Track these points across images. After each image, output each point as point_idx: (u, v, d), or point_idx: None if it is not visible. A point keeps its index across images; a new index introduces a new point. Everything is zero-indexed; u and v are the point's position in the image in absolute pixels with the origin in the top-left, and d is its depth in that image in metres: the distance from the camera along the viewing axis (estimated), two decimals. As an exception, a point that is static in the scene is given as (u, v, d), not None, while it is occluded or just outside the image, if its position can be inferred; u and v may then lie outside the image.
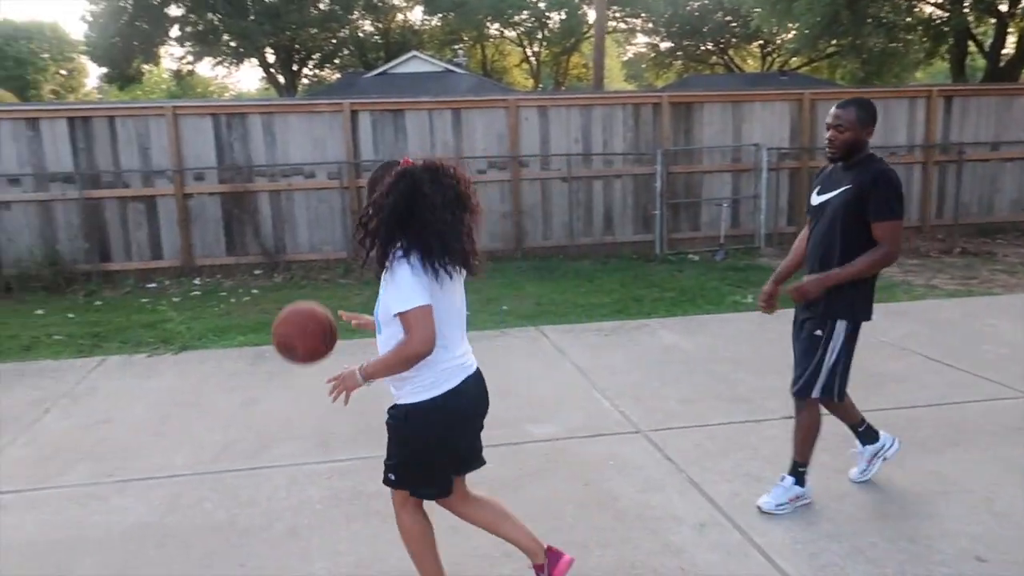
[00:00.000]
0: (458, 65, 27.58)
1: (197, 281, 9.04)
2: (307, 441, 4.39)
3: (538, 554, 2.75)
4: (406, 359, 2.34)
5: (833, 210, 3.25)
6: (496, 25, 35.37)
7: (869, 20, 18.32)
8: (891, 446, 3.67)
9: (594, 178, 9.91)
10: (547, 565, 2.73)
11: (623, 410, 4.72)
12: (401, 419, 2.51)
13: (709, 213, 10.25)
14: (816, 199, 3.39)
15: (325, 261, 9.47)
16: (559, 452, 4.13)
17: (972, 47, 20.12)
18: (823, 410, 3.48)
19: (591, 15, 34.00)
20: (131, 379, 5.65)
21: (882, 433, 3.67)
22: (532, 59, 38.15)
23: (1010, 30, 18.58)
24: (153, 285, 8.95)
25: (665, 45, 36.25)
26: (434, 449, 2.52)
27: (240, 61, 36.55)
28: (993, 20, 18.67)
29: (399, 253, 2.33)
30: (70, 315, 7.69)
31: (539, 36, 36.57)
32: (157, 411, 4.95)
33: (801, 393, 3.39)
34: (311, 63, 39.49)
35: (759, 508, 3.43)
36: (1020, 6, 17.67)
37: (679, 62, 37.11)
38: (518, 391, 5.09)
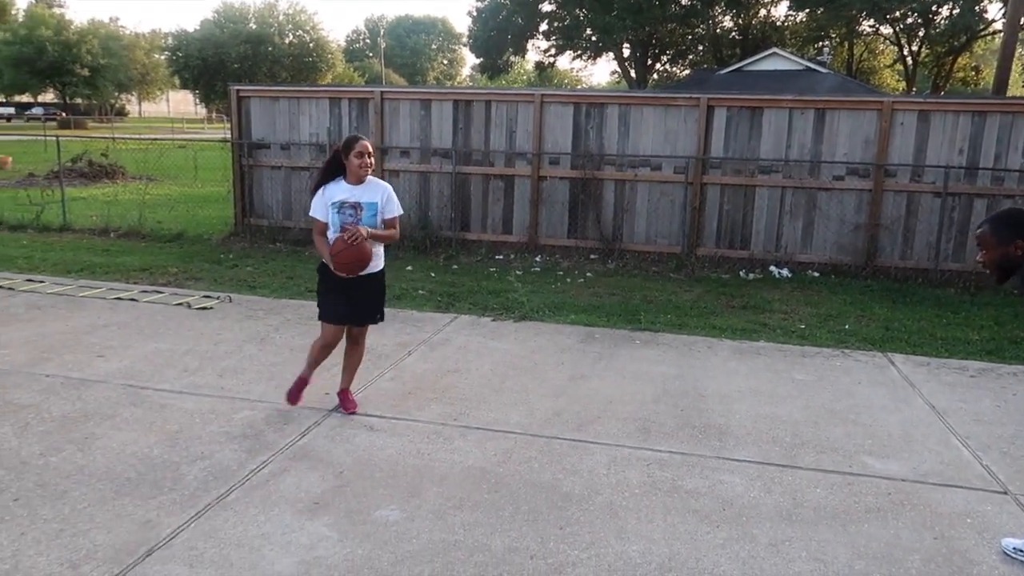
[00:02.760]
0: (821, 63, 25.84)
1: (538, 258, 9.68)
2: (628, 425, 4.46)
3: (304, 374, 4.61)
4: (390, 239, 4.40)
5: None
6: (871, 21, 32.37)
7: None
8: None
9: (977, 196, 8.62)
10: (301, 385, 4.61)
11: (988, 464, 4.06)
12: (382, 279, 4.50)
13: None
14: None
15: (658, 254, 9.53)
16: (904, 494, 3.68)
17: None
18: None
19: (992, 9, 29.57)
20: (478, 337, 6.24)
21: None
22: (908, 59, 34.29)
23: None
24: (500, 257, 9.78)
25: (1088, 46, 30.14)
26: None
27: (598, 55, 38.27)
28: None
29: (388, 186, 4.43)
30: (432, 274, 8.72)
31: (921, 34, 32.69)
32: (498, 370, 5.40)
33: None
34: (664, 58, 39.95)
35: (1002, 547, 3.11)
36: None
37: (1105, 67, 30.68)
38: (857, 419, 4.65)
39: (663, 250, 9.53)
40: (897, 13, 30.45)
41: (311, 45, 55.28)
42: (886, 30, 33.92)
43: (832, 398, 5.02)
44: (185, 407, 4.54)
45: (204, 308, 6.88)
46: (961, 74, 36.04)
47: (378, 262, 4.40)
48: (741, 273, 9.04)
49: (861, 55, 37.39)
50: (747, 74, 23.97)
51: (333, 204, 4.25)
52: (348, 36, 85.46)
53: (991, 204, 8.58)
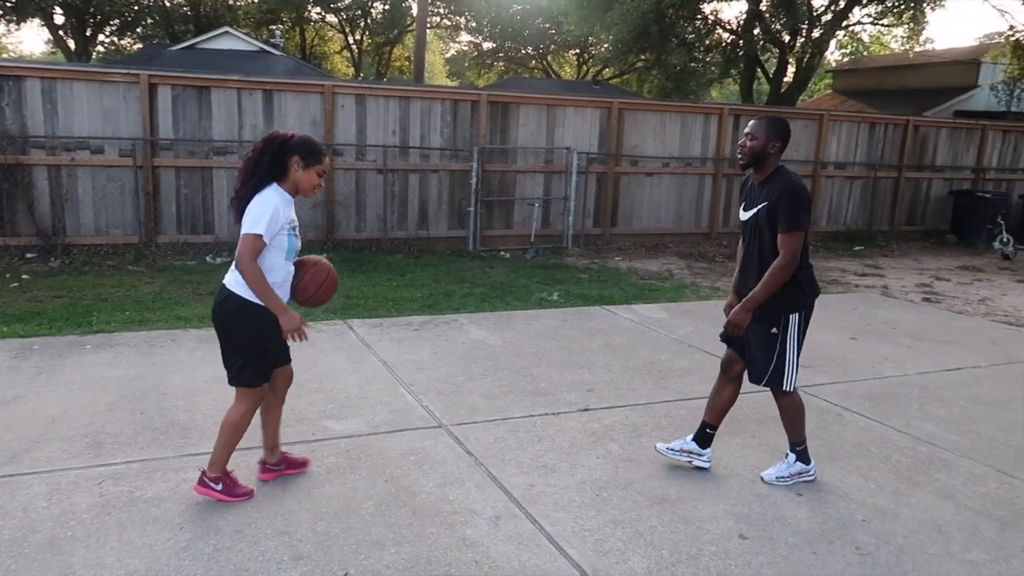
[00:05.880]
0: (274, 46, 26.36)
1: (-46, 263, 7.94)
2: (75, 443, 3.97)
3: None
4: None
5: (756, 225, 3.61)
6: (317, 9, 34.12)
7: (673, 38, 19.66)
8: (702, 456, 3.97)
9: (410, 172, 9.84)
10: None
11: (427, 405, 4.71)
12: None
13: (521, 212, 10.52)
14: (743, 215, 3.73)
15: (112, 246, 8.66)
16: (360, 449, 4.04)
17: (759, 73, 22.17)
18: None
19: (415, 8, 33.81)
20: None
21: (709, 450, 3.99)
22: (354, 47, 37.22)
23: (790, 60, 20.67)
24: None
25: (488, 45, 36.76)
26: None
27: (20, 20, 32.58)
28: (776, 50, 20.69)
29: None
30: None
31: (362, 24, 35.74)
32: None
33: (774, 384, 3.68)
34: (108, 29, 36.10)
35: (762, 478, 3.81)
36: (799, 39, 19.70)
37: (500, 63, 37.80)
38: (320, 387, 4.93)
39: (118, 241, 8.70)
40: (340, 3, 32.70)
41: None
42: (332, 19, 36.19)
43: (298, 371, 5.20)
44: None
45: None
46: (399, 63, 40.54)
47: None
48: (208, 258, 8.78)
49: (313, 40, 39.24)
50: (202, 52, 23.11)
51: (287, 226, 3.27)
52: None
53: (423, 179, 9.90)
